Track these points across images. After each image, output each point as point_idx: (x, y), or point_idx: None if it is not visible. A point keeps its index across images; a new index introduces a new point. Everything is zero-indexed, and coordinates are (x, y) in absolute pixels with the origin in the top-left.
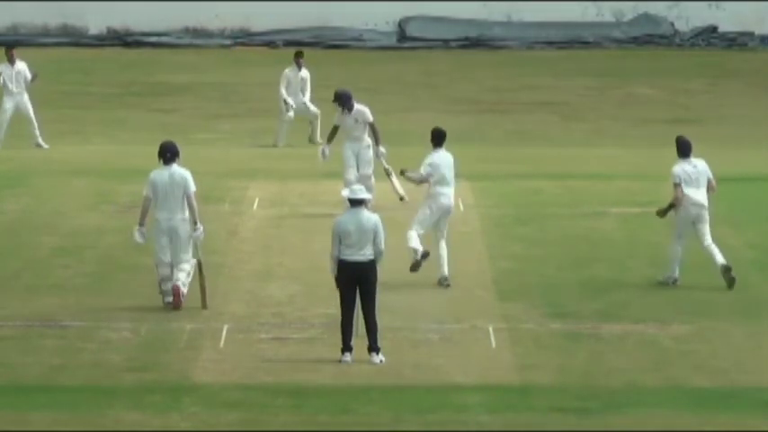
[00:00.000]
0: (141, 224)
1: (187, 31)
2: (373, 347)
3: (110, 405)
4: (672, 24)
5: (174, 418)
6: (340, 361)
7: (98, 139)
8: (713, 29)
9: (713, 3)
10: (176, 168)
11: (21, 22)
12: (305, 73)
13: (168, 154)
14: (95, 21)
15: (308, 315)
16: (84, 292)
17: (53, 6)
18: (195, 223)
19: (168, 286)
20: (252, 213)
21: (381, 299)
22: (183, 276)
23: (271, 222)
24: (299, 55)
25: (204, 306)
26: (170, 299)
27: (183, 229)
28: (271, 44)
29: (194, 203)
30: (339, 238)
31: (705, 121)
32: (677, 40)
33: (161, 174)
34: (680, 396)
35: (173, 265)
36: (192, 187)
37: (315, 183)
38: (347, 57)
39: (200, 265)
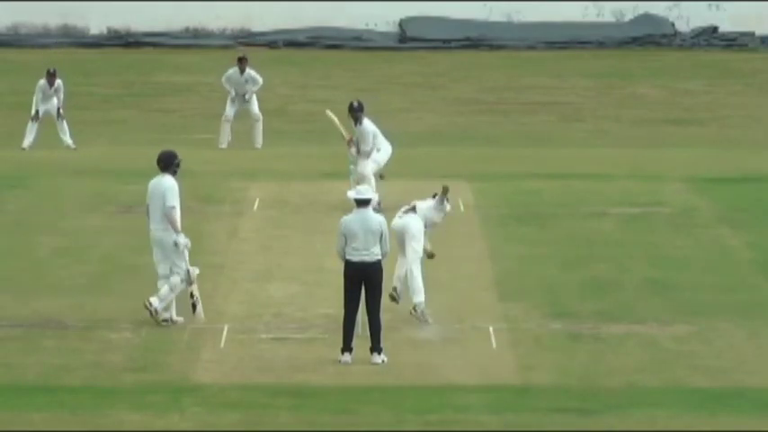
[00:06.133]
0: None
1: (187, 31)
2: (375, 348)
3: (110, 405)
4: (672, 24)
5: (174, 419)
6: (339, 361)
7: (98, 140)
8: (713, 29)
9: (713, 3)
10: (164, 179)
11: (21, 21)
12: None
13: (161, 163)
14: (96, 21)
15: (308, 315)
16: (84, 293)
17: (53, 6)
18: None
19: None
20: (252, 214)
21: (383, 299)
22: (164, 291)
23: (271, 223)
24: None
25: (195, 316)
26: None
27: (167, 239)
28: (271, 44)
29: (172, 217)
30: (344, 237)
31: (705, 122)
32: (677, 41)
33: (153, 182)
34: (680, 396)
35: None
36: (170, 202)
37: (315, 183)
38: (347, 57)
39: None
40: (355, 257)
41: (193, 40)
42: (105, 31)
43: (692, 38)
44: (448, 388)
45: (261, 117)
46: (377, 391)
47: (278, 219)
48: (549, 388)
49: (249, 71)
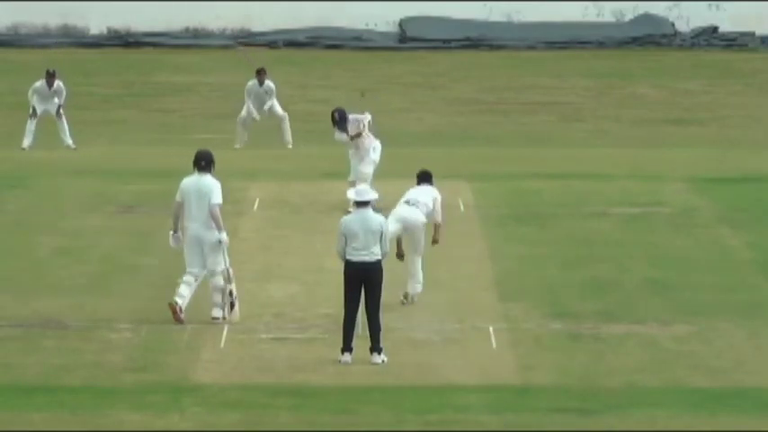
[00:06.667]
0: (174, 230)
1: (187, 31)
2: (375, 348)
3: (110, 405)
4: (672, 24)
5: (174, 419)
6: (339, 361)
7: (98, 140)
8: (713, 29)
9: (713, 3)
10: (204, 178)
11: (21, 21)
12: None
13: (202, 162)
14: (96, 21)
15: (308, 315)
16: (84, 293)
17: (53, 6)
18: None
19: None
20: (252, 214)
21: (383, 299)
22: (218, 298)
23: (271, 223)
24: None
25: (231, 315)
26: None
27: (209, 237)
28: (271, 44)
29: (218, 214)
30: (345, 237)
31: (705, 122)
32: (677, 41)
33: (190, 181)
34: (680, 396)
35: (196, 276)
36: (217, 199)
37: (315, 183)
38: (347, 57)
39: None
40: (355, 257)
41: (193, 40)
42: (105, 31)
43: (692, 38)
44: (448, 388)
45: (286, 116)
46: (377, 391)
47: (278, 219)
48: (549, 388)
49: (268, 82)
